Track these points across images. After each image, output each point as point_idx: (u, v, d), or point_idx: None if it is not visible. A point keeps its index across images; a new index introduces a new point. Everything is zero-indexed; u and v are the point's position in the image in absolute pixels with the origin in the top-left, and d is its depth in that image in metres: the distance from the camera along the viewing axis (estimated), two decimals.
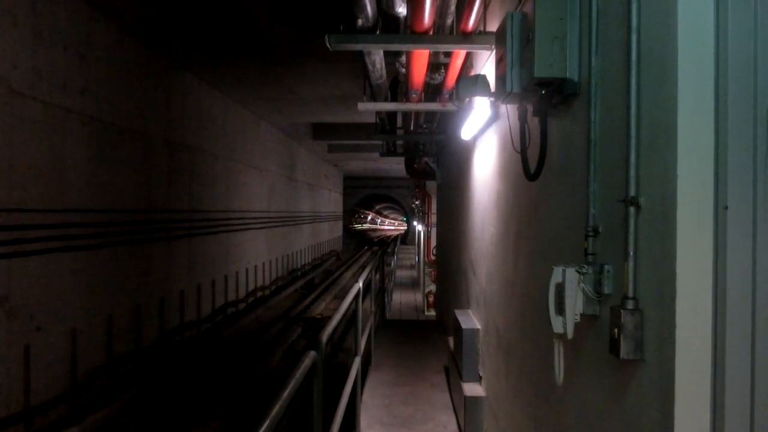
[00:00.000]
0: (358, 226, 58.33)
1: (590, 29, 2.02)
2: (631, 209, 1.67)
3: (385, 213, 71.79)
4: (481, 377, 4.74)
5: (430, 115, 8.44)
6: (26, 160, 5.95)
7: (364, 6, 3.72)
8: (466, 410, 4.46)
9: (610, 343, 1.71)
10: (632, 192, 1.67)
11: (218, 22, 7.94)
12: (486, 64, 4.48)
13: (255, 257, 15.07)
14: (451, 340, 5.80)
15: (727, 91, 1.46)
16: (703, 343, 1.48)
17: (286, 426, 6.89)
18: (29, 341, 6.01)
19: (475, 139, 5.26)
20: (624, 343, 1.63)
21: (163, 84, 9.37)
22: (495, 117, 4.06)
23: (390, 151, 12.65)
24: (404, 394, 5.58)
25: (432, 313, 15.90)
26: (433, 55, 5.26)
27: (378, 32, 4.10)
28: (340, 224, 35.32)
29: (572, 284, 1.93)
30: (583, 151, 2.08)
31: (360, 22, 3.90)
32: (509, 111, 3.20)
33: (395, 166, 23.61)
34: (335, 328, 3.07)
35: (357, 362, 4.12)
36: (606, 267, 1.85)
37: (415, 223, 29.47)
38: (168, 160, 9.54)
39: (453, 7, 4.04)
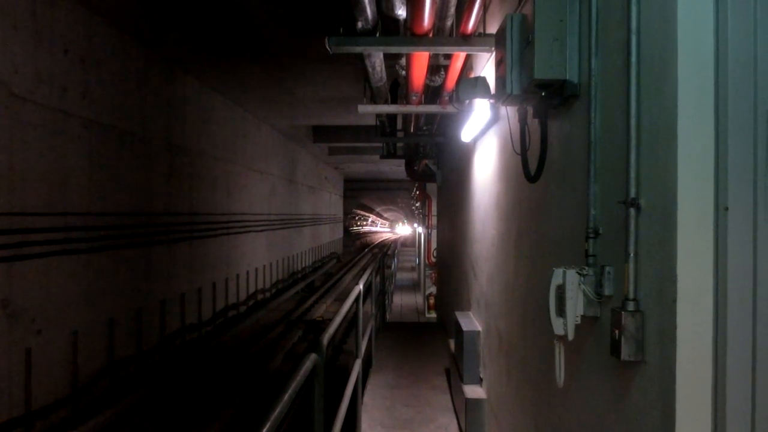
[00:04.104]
0: (359, 229, 58.33)
1: (590, 31, 2.02)
2: (632, 210, 1.67)
3: (386, 216, 71.80)
4: (482, 379, 4.74)
5: (431, 117, 8.44)
6: (27, 164, 5.96)
7: (364, 8, 3.73)
8: (467, 412, 4.46)
9: (611, 345, 1.71)
10: (633, 193, 1.67)
11: (219, 25, 7.95)
12: (486, 66, 4.49)
13: (256, 260, 15.08)
14: (452, 342, 5.79)
15: (727, 91, 1.46)
16: (704, 344, 1.48)
17: (287, 428, 6.88)
18: (30, 344, 6.01)
19: (475, 141, 5.26)
20: (625, 344, 1.63)
21: (164, 87, 9.39)
22: (495, 119, 4.06)
23: (390, 154, 12.66)
24: (405, 397, 5.57)
25: (433, 315, 15.89)
26: (433, 58, 5.26)
27: (378, 34, 4.10)
28: (340, 227, 35.33)
29: (573, 286, 1.93)
30: (583, 152, 2.08)
31: (360, 24, 3.90)
32: (509, 113, 3.20)
33: (396, 168, 23.61)
34: (336, 331, 3.07)
35: (358, 364, 4.12)
36: (607, 268, 1.85)
37: (415, 225, 29.48)
38: (169, 163, 9.55)
39: (453, 9, 4.05)
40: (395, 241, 51.26)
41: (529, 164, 2.63)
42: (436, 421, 4.98)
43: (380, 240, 63.93)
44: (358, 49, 4.22)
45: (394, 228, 78.06)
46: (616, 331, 1.66)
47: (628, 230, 1.68)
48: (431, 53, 4.90)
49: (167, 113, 9.51)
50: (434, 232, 15.53)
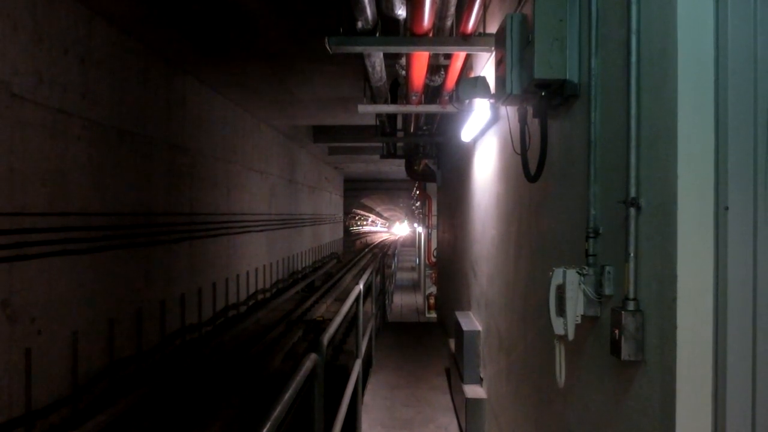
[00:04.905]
0: (359, 229, 58.32)
1: (590, 30, 2.02)
2: (632, 210, 1.67)
3: (386, 215, 71.82)
4: (482, 379, 4.74)
5: (430, 117, 8.44)
6: (27, 164, 5.96)
7: (364, 8, 3.73)
8: (468, 412, 4.46)
9: (611, 345, 1.71)
10: (633, 193, 1.67)
11: (219, 25, 7.95)
12: (486, 66, 4.49)
13: (256, 260, 15.08)
14: (452, 342, 5.79)
15: (727, 91, 1.46)
16: (704, 343, 1.48)
17: (287, 428, 6.88)
18: (30, 345, 6.01)
19: (475, 140, 5.26)
20: (625, 344, 1.63)
21: (164, 87, 9.38)
22: (495, 119, 4.06)
23: (390, 153, 12.65)
24: (405, 396, 5.57)
25: (433, 315, 15.89)
26: (433, 57, 5.25)
27: (378, 34, 4.10)
28: (340, 227, 35.33)
29: (573, 285, 1.92)
30: (583, 152, 2.08)
31: (360, 24, 3.90)
32: (509, 113, 3.20)
33: (395, 168, 23.62)
34: (336, 331, 3.07)
35: (358, 364, 4.11)
36: (607, 268, 1.85)
37: (416, 225, 29.50)
38: (169, 163, 9.55)
39: (452, 9, 4.05)
40: (395, 241, 51.23)
41: (529, 164, 2.63)
42: (436, 421, 4.98)
43: (380, 240, 63.89)
44: (358, 49, 4.21)
45: (394, 228, 78.06)
46: (616, 331, 1.66)
47: (628, 230, 1.68)
48: (431, 53, 4.89)
49: (167, 113, 9.51)
50: (434, 232, 15.52)
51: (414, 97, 5.78)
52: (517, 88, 2.40)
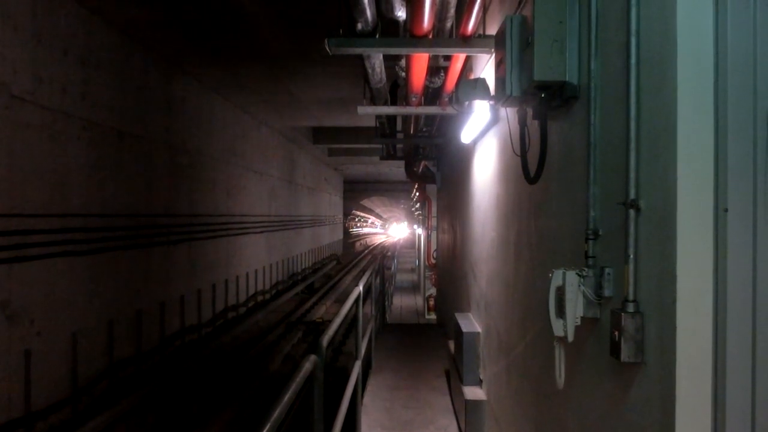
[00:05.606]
0: (359, 230, 58.31)
1: (590, 32, 2.02)
2: (632, 212, 1.67)
3: (386, 217, 71.81)
4: (481, 380, 4.73)
5: (430, 118, 8.44)
6: (27, 165, 5.95)
7: (364, 9, 3.73)
8: (467, 413, 4.46)
9: (611, 346, 1.71)
10: (632, 195, 1.67)
11: (219, 26, 7.95)
12: (486, 68, 4.49)
13: (255, 261, 15.07)
14: (451, 344, 5.79)
15: (726, 93, 1.46)
16: (704, 345, 1.47)
17: (287, 429, 6.87)
18: (30, 346, 6.00)
19: (475, 142, 5.27)
20: (625, 345, 1.63)
21: (164, 88, 9.39)
22: (495, 120, 4.06)
23: (390, 155, 12.66)
24: (405, 398, 5.57)
25: (433, 316, 15.88)
26: (433, 59, 5.26)
27: (377, 36, 4.10)
28: (340, 228, 35.34)
29: (573, 287, 1.92)
30: (583, 153, 2.08)
31: (360, 26, 3.90)
32: (509, 114, 3.21)
33: (395, 169, 23.63)
34: (336, 332, 3.07)
35: (358, 366, 4.11)
36: (606, 270, 1.85)
37: (415, 226, 29.48)
38: (168, 165, 9.55)
39: (452, 11, 4.05)
40: (395, 243, 51.21)
41: (528, 166, 2.63)
42: (436, 423, 4.97)
43: (380, 242, 63.87)
44: (357, 51, 4.21)
45: (394, 230, 78.03)
46: (616, 333, 1.66)
47: (627, 231, 1.68)
48: (431, 54, 4.90)
49: (167, 114, 9.51)
50: (434, 234, 15.52)
51: (414, 99, 5.78)
52: (516, 89, 2.40)
